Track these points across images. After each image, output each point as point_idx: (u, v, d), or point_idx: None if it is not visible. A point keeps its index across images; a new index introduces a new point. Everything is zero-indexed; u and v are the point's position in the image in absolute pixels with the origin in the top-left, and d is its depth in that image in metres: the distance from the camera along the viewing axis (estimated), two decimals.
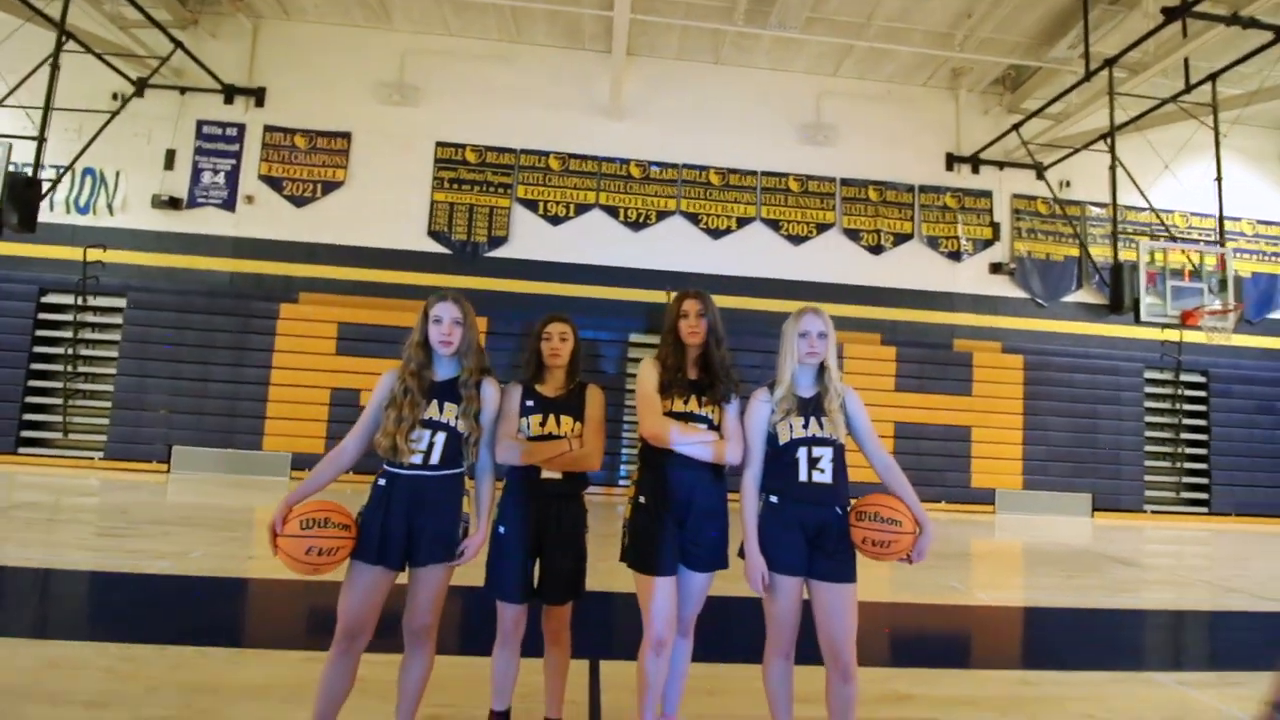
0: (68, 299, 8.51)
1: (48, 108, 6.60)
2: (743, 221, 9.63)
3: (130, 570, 4.01)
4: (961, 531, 7.58)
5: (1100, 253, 9.49)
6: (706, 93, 9.69)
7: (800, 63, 9.73)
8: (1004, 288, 9.88)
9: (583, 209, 9.45)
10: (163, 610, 3.43)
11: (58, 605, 3.58)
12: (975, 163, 9.99)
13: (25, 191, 6.25)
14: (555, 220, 9.41)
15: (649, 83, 9.62)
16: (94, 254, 8.45)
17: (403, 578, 2.01)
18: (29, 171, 6.55)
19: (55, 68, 6.67)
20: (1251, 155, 10.59)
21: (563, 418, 2.19)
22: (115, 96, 8.81)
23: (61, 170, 7.68)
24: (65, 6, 6.75)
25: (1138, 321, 7.15)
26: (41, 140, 6.52)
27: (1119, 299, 7.04)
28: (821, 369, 2.05)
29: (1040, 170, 9.66)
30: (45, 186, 6.81)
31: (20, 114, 7.28)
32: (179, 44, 8.29)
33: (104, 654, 2.69)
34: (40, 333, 8.54)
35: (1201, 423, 9.76)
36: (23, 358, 8.41)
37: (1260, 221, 10.58)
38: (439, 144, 9.34)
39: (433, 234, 9.23)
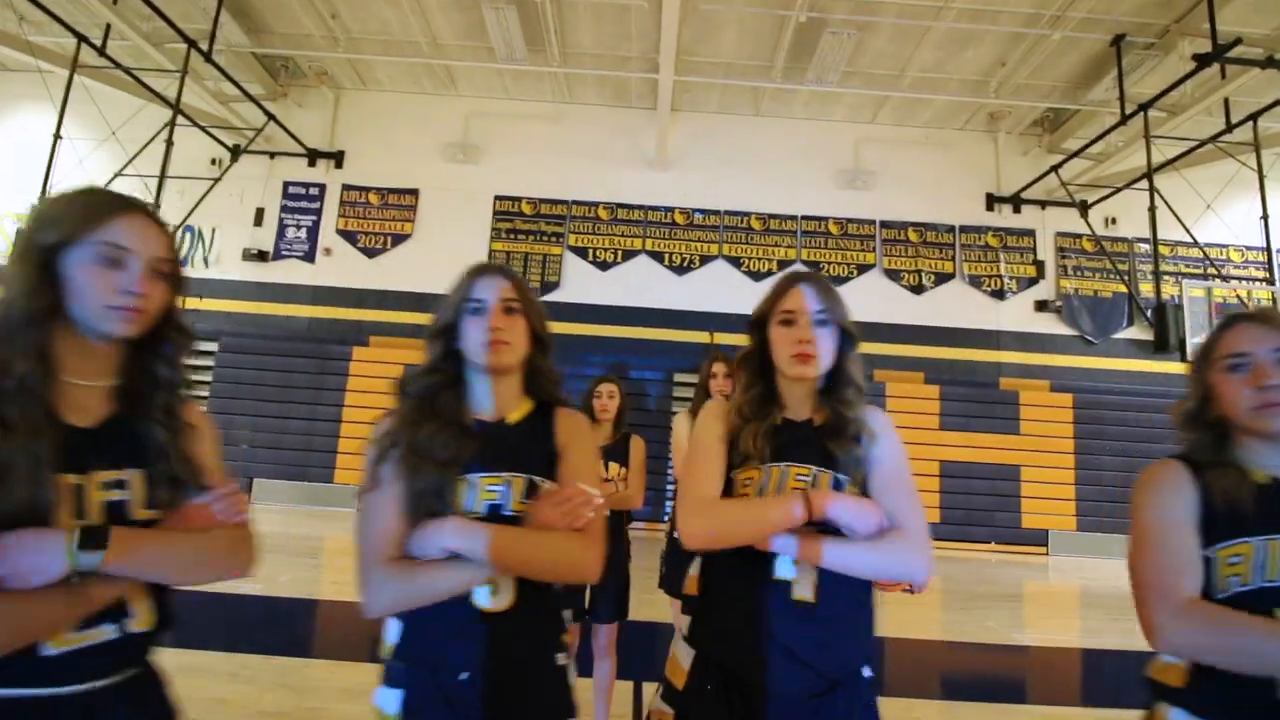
0: None
1: (163, 177, 7.53)
2: (784, 264, 9.96)
3: (229, 591, 4.55)
4: (1012, 573, 7.55)
5: (1150, 289, 9.40)
6: (747, 143, 10.16)
7: (838, 111, 10.13)
8: (1050, 325, 9.87)
9: (630, 255, 9.98)
10: (263, 627, 3.92)
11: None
12: (1017, 202, 10.10)
13: None
14: (604, 266, 9.96)
15: (692, 135, 10.17)
16: (192, 303, 9.39)
17: None
18: None
19: (169, 143, 7.62)
20: None
21: (610, 464, 2.59)
22: (214, 162, 9.89)
23: (172, 230, 8.64)
24: (180, 89, 7.73)
25: (1184, 360, 7.11)
26: (157, 207, 7.42)
27: (1164, 338, 7.04)
28: None
29: (1084, 209, 9.70)
30: None
31: (131, 181, 8.29)
32: (271, 116, 9.28)
33: (225, 661, 3.17)
34: None
35: None
36: None
37: None
38: (497, 197, 10.07)
39: None
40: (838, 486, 1.19)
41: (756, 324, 1.33)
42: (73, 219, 0.93)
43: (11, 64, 9.23)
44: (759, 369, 1.32)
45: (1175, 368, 9.34)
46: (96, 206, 0.95)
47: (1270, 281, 7.52)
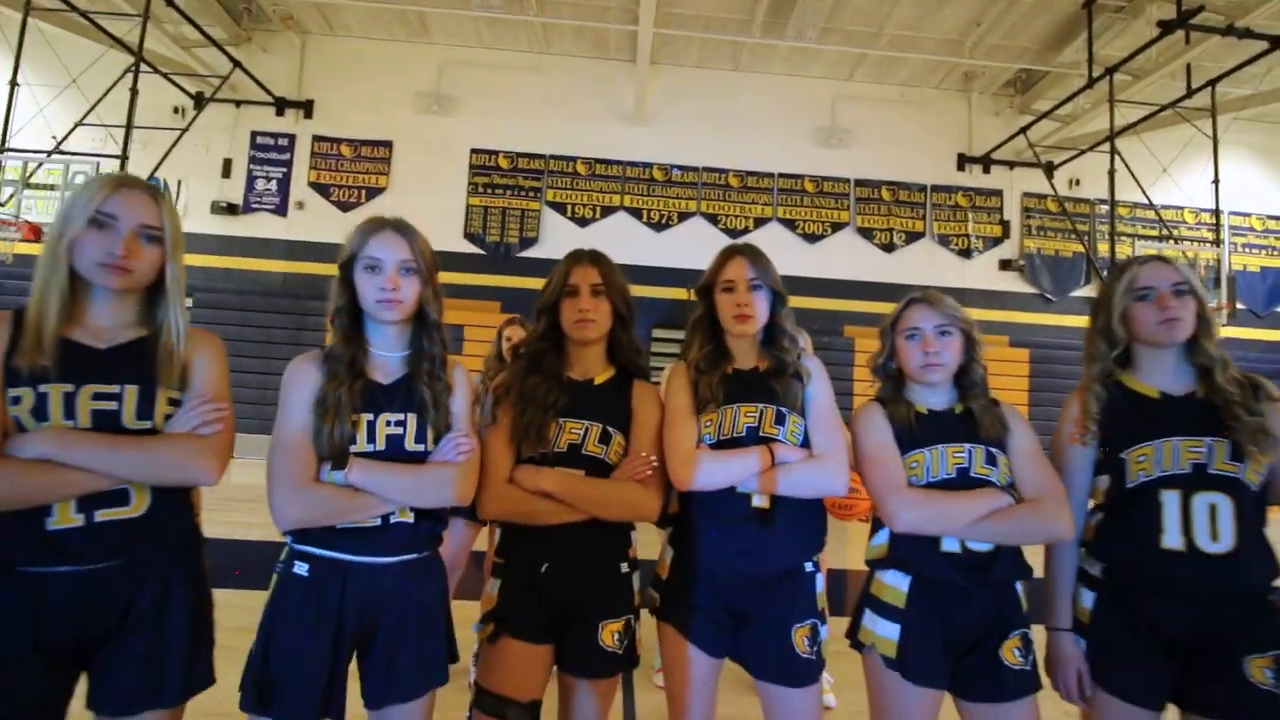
0: None
1: (129, 127, 7.31)
2: (760, 221, 10.12)
3: (240, 538, 4.78)
4: None
5: (1108, 249, 9.80)
6: (726, 99, 10.15)
7: (816, 68, 10.14)
8: (1013, 283, 10.25)
9: (608, 211, 10.01)
10: (247, 569, 4.12)
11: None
12: (986, 163, 10.33)
13: None
14: (582, 222, 9.99)
15: (671, 90, 10.11)
16: None
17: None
18: None
19: (134, 91, 7.36)
20: (1263, 151, 10.77)
21: None
22: (176, 110, 9.56)
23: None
24: (142, 35, 7.44)
25: None
26: (124, 159, 7.23)
27: None
28: None
29: (1050, 170, 9.98)
30: None
31: (89, 130, 7.98)
32: (237, 63, 8.97)
33: (246, 599, 3.36)
34: None
35: None
36: None
37: (1270, 217, 10.77)
38: (473, 151, 9.95)
39: (468, 236, 9.87)
40: (780, 418, 1.50)
41: (704, 291, 1.64)
42: (351, 241, 1.38)
43: None
44: (710, 330, 1.62)
45: None
46: (362, 230, 1.38)
47: (1215, 243, 7.93)
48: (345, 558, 1.28)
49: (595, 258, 1.60)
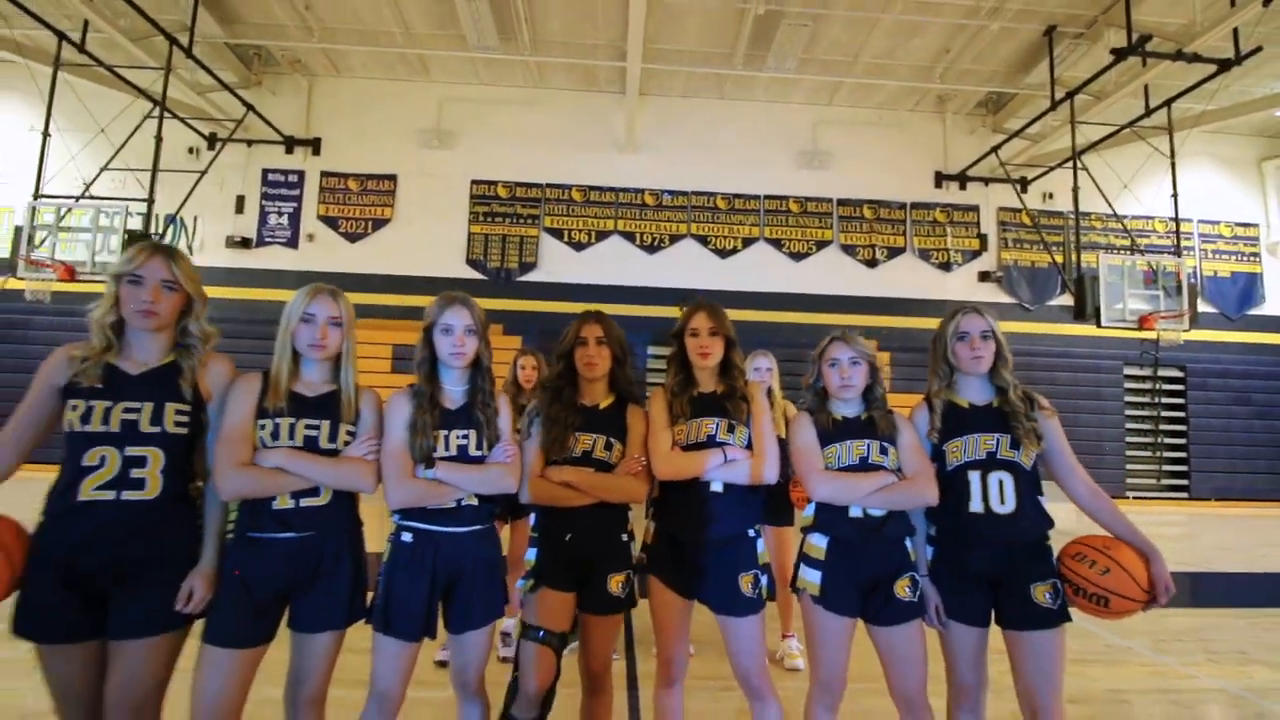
0: None
1: (155, 171, 7.81)
2: (748, 241, 10.61)
3: None
4: None
5: (1084, 260, 10.24)
6: (712, 126, 10.69)
7: (797, 95, 10.68)
8: (991, 294, 10.72)
9: (603, 235, 10.51)
10: None
11: None
12: (963, 180, 10.83)
13: None
14: (578, 246, 10.48)
15: (660, 119, 10.65)
16: None
17: None
18: (138, 226, 7.76)
19: (159, 139, 7.88)
20: (1230, 162, 11.28)
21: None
22: (191, 151, 10.10)
23: (166, 221, 8.89)
24: (165, 84, 7.97)
25: (1099, 326, 7.97)
26: (151, 200, 7.72)
27: (1082, 307, 7.87)
28: (769, 391, 3.07)
29: (1023, 185, 10.47)
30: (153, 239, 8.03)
31: (112, 172, 8.48)
32: (249, 106, 9.51)
33: None
34: None
35: (1180, 415, 10.48)
36: None
37: (1238, 224, 11.25)
38: (474, 181, 10.48)
39: (470, 262, 10.36)
40: (732, 429, 2.07)
41: (676, 336, 2.20)
42: (431, 312, 1.98)
43: None
44: (681, 363, 2.19)
45: (1101, 332, 10.24)
46: (439, 303, 1.98)
47: (1176, 253, 8.37)
48: (435, 529, 1.87)
49: (599, 318, 2.16)
